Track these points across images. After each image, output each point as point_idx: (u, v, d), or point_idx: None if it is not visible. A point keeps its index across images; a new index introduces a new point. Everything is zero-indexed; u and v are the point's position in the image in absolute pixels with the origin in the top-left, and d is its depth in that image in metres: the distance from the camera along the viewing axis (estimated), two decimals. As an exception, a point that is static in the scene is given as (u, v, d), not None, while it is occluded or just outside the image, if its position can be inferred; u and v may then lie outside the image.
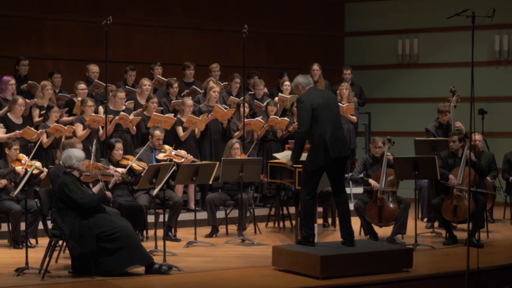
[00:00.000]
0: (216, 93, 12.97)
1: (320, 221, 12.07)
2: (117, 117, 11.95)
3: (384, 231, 11.05)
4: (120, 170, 10.68)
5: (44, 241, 9.68)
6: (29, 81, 12.86)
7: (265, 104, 13.36)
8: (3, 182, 10.14)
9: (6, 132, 11.29)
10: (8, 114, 11.53)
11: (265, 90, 14.25)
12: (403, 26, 16.69)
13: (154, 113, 12.22)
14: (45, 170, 10.19)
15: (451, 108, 12.33)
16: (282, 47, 16.88)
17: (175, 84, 13.37)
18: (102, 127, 11.86)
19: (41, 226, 9.73)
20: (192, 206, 12.22)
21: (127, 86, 13.38)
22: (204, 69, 14.37)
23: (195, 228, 10.79)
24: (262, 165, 11.55)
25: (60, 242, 9.20)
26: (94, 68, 13.46)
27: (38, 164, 10.46)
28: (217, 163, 10.92)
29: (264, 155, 12.80)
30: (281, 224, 12.28)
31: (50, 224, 9.11)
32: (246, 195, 11.44)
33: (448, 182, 10.76)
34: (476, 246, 9.49)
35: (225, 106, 13.20)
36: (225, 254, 10.18)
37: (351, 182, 12.80)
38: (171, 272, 8.82)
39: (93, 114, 11.84)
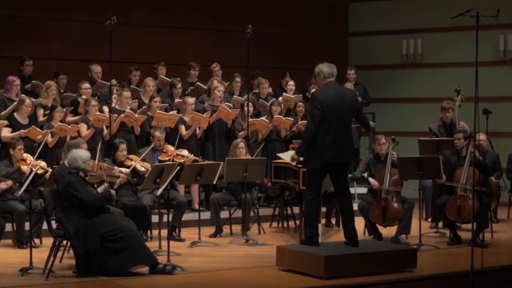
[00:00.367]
0: (221, 93, 12.97)
1: (324, 221, 12.07)
2: (122, 115, 11.96)
3: (388, 231, 11.05)
4: (124, 170, 10.69)
5: (48, 241, 9.69)
6: (33, 81, 12.88)
7: (269, 104, 13.36)
8: (9, 183, 10.14)
9: (12, 132, 11.30)
10: (14, 114, 11.56)
11: (270, 90, 14.24)
12: (407, 26, 16.68)
13: (158, 111, 12.23)
14: (50, 170, 10.20)
15: (455, 107, 12.32)
16: (285, 47, 16.88)
17: (179, 85, 13.36)
18: (107, 127, 11.87)
19: (45, 226, 9.73)
20: (196, 206, 12.23)
21: (131, 86, 13.38)
22: (208, 69, 14.37)
23: (199, 228, 10.80)
24: (266, 165, 11.55)
25: (65, 242, 9.21)
26: (97, 69, 13.46)
27: (43, 164, 10.48)
28: (222, 163, 10.92)
29: (268, 155, 12.80)
30: (285, 224, 12.28)
31: (54, 224, 9.12)
32: (249, 195, 11.44)
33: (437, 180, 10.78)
34: (481, 246, 9.47)
35: (228, 104, 13.20)
36: (229, 254, 10.18)
37: (354, 182, 12.80)
38: (175, 272, 8.82)
39: (98, 113, 11.85)
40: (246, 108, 12.65)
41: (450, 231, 10.90)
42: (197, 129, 12.57)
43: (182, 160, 11.43)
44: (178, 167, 10.12)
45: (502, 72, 15.67)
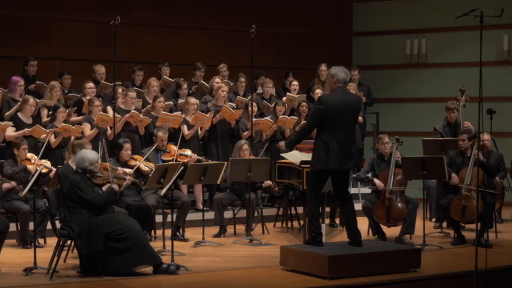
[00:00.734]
0: (225, 93, 12.98)
1: (327, 221, 12.06)
2: (127, 115, 11.97)
3: (392, 231, 11.04)
4: (128, 170, 10.69)
5: (52, 241, 9.69)
6: (37, 82, 12.89)
7: (273, 104, 13.36)
8: (13, 183, 10.14)
9: (16, 132, 11.31)
10: (18, 113, 11.57)
11: (273, 91, 14.23)
12: (411, 26, 16.68)
13: (162, 112, 12.24)
14: (54, 169, 10.21)
15: (460, 107, 12.32)
16: (289, 47, 16.88)
17: (185, 86, 13.37)
18: (111, 127, 11.88)
19: (49, 226, 9.73)
20: (200, 206, 12.24)
21: (135, 87, 13.37)
22: (211, 69, 14.37)
23: (203, 228, 10.80)
24: (270, 165, 11.55)
25: (69, 242, 9.22)
26: (101, 69, 13.47)
27: (48, 163, 10.49)
28: (225, 163, 10.91)
29: (272, 155, 12.80)
30: (289, 224, 12.28)
31: (58, 224, 9.12)
32: (253, 195, 11.44)
33: (450, 180, 10.75)
34: (485, 246, 9.47)
35: (232, 104, 13.20)
36: (232, 254, 10.18)
37: (359, 182, 12.80)
38: (179, 272, 8.82)
39: (101, 113, 11.86)
40: (250, 108, 12.65)
41: (454, 231, 10.89)
42: (199, 129, 12.58)
43: (185, 160, 11.43)
44: (182, 167, 10.12)
45: (506, 72, 15.66)
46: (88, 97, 12.50)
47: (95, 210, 8.67)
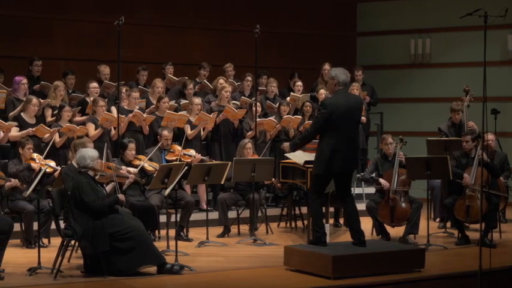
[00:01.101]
0: (228, 93, 12.99)
1: (332, 221, 12.06)
2: (130, 115, 11.99)
3: (396, 232, 11.04)
4: (132, 170, 10.70)
5: (56, 241, 9.71)
6: (42, 82, 12.91)
7: (277, 104, 13.36)
8: (15, 181, 10.14)
9: (19, 132, 11.33)
10: (22, 114, 11.58)
11: (277, 91, 14.23)
12: (415, 26, 16.67)
13: (167, 111, 12.24)
14: (59, 168, 10.22)
15: (464, 107, 12.30)
16: (293, 47, 16.88)
17: (190, 85, 13.38)
18: (115, 127, 11.88)
19: (53, 226, 9.76)
20: (203, 206, 12.23)
21: (139, 87, 13.37)
22: (216, 69, 14.38)
23: (207, 228, 10.80)
24: (275, 165, 11.55)
25: (73, 242, 9.22)
26: (105, 70, 13.47)
27: (52, 163, 10.49)
28: (229, 163, 10.92)
29: (277, 155, 12.79)
30: (293, 224, 12.28)
31: (62, 224, 9.13)
32: (257, 195, 11.44)
33: (462, 181, 10.73)
34: (489, 247, 9.47)
35: (236, 102, 13.20)
36: (236, 254, 10.18)
37: (363, 182, 12.80)
38: (183, 272, 8.83)
39: (106, 113, 11.86)
40: (254, 109, 12.65)
41: (458, 231, 10.88)
42: (202, 129, 12.58)
43: (189, 160, 11.43)
44: (186, 167, 10.12)
45: (510, 72, 15.64)
46: (92, 97, 12.50)
47: (95, 214, 8.66)
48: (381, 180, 10.96)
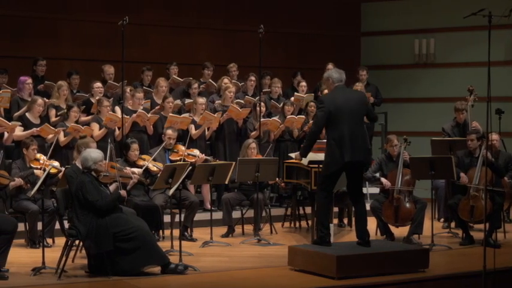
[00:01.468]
0: (232, 93, 12.99)
1: (336, 221, 12.05)
2: (134, 115, 11.99)
3: (400, 232, 11.03)
4: (136, 170, 10.70)
5: (60, 241, 9.72)
6: (46, 82, 12.92)
7: (281, 104, 13.36)
8: (20, 180, 10.15)
9: (24, 132, 11.33)
10: (26, 114, 11.58)
11: (280, 91, 14.23)
12: (419, 26, 16.66)
13: (170, 114, 12.24)
14: (63, 169, 10.22)
15: (468, 107, 12.29)
16: (297, 47, 16.88)
17: (195, 85, 13.39)
18: (119, 128, 11.89)
19: (57, 226, 9.75)
20: (208, 206, 12.24)
21: (144, 87, 13.37)
22: (220, 69, 14.38)
23: (211, 228, 10.80)
24: (278, 165, 11.55)
25: (77, 242, 9.24)
26: (109, 70, 13.46)
27: (56, 163, 10.50)
28: (233, 163, 10.92)
29: (280, 155, 12.79)
30: (297, 224, 12.28)
31: (66, 224, 9.14)
32: (261, 195, 11.44)
33: (459, 180, 10.74)
34: (493, 247, 9.45)
35: (240, 101, 13.20)
36: (240, 254, 10.18)
37: (366, 182, 12.79)
38: (187, 272, 8.83)
39: (110, 113, 11.87)
40: (258, 108, 12.65)
41: (463, 231, 10.87)
42: (206, 129, 12.59)
43: (193, 160, 11.43)
44: (190, 167, 10.13)
45: (514, 72, 15.64)
46: (97, 97, 12.50)
47: (99, 213, 8.67)
48: (383, 180, 10.95)
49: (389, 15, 16.99)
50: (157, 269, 8.83)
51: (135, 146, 10.96)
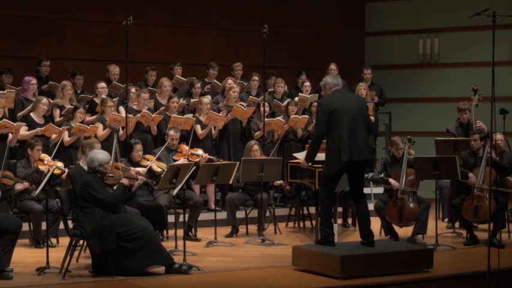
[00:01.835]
0: (236, 93, 12.99)
1: (340, 221, 12.05)
2: (138, 115, 12.00)
3: (404, 232, 11.02)
4: (141, 170, 10.70)
5: (64, 241, 9.72)
6: (50, 82, 12.93)
7: (285, 104, 13.35)
8: (26, 184, 10.17)
9: (28, 131, 11.34)
10: (31, 113, 11.59)
11: (285, 88, 14.22)
12: (423, 26, 16.65)
13: (173, 115, 12.24)
14: (67, 170, 10.23)
15: (472, 107, 12.28)
16: (302, 47, 16.87)
17: (198, 85, 13.38)
18: (123, 128, 11.90)
19: (61, 226, 9.76)
20: (212, 206, 12.24)
21: (149, 87, 13.36)
22: (224, 68, 14.38)
23: (215, 228, 10.80)
24: (283, 165, 11.54)
25: (81, 242, 9.24)
26: (115, 70, 13.47)
27: (60, 164, 10.50)
28: (237, 163, 10.91)
29: (285, 155, 12.79)
30: (301, 224, 12.28)
31: (70, 224, 9.14)
32: (266, 195, 11.44)
33: (467, 180, 10.72)
34: (497, 247, 9.45)
35: (243, 103, 13.20)
36: (245, 254, 10.18)
37: (371, 183, 12.78)
38: (191, 272, 8.83)
39: (114, 113, 11.88)
40: (262, 108, 12.64)
41: (467, 231, 10.86)
42: (212, 129, 12.59)
43: (197, 159, 11.43)
44: (194, 167, 10.12)
45: (519, 71, 15.61)
46: (102, 96, 12.50)
47: (109, 209, 8.68)
48: (391, 180, 10.95)
49: (394, 15, 16.98)
50: (161, 269, 8.84)
51: (138, 147, 10.96)
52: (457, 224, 11.59)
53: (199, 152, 11.76)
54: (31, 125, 11.44)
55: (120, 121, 11.81)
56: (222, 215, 11.74)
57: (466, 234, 10.87)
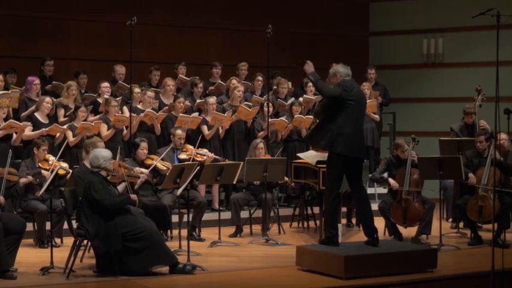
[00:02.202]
0: (240, 93, 13.00)
1: (344, 221, 12.05)
2: (142, 114, 12.00)
3: (408, 232, 11.02)
4: (144, 170, 10.71)
5: (68, 240, 9.73)
6: (54, 82, 12.93)
7: (289, 103, 13.35)
8: (30, 178, 10.18)
9: (33, 131, 11.35)
10: (35, 113, 11.60)
11: (290, 87, 14.20)
12: (428, 26, 16.64)
13: (180, 114, 12.24)
14: (71, 171, 10.23)
15: (476, 107, 12.26)
16: (306, 47, 16.85)
17: (200, 84, 13.39)
18: (127, 127, 11.90)
19: (66, 226, 9.78)
20: (216, 205, 12.24)
21: (152, 88, 13.36)
22: (228, 69, 14.39)
23: (219, 228, 10.81)
24: (287, 165, 11.54)
25: (85, 242, 9.24)
26: (120, 70, 13.47)
27: (65, 165, 10.50)
28: (241, 163, 10.91)
29: (289, 155, 12.78)
30: (305, 224, 12.27)
31: (74, 224, 9.15)
32: (270, 195, 11.43)
33: (468, 181, 10.72)
34: (502, 247, 9.43)
35: (248, 103, 13.20)
36: (249, 254, 10.18)
37: (374, 183, 12.77)
38: (195, 272, 8.83)
39: (118, 113, 11.88)
40: (265, 109, 12.64)
41: (471, 231, 10.85)
42: (220, 128, 12.60)
43: (202, 159, 11.43)
44: (198, 167, 10.13)
45: (523, 71, 15.58)
46: (105, 96, 12.51)
47: (107, 212, 8.67)
48: (390, 180, 10.94)
49: (398, 15, 16.97)
50: (165, 269, 8.84)
51: (144, 145, 10.95)
52: (461, 224, 11.59)
53: (205, 151, 11.75)
54: (36, 124, 11.45)
55: (124, 121, 11.81)
56: (226, 215, 11.74)
57: (470, 234, 10.86)
